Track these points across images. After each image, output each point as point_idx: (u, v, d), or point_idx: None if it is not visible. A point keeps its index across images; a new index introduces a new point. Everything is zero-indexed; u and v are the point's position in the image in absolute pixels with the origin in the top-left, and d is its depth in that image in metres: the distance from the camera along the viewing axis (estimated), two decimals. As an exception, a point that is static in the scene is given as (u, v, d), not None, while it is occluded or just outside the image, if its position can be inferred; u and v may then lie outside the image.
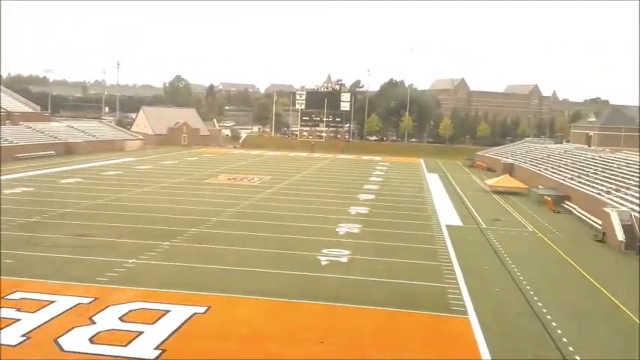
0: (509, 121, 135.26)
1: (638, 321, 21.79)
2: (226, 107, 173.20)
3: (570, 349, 19.04)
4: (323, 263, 28.67)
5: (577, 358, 18.34)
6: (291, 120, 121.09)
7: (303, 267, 27.76)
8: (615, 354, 18.93)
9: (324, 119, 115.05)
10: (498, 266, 29.63)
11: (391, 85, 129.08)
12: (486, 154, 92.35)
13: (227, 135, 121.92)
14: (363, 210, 44.74)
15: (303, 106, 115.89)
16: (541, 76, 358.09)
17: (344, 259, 29.52)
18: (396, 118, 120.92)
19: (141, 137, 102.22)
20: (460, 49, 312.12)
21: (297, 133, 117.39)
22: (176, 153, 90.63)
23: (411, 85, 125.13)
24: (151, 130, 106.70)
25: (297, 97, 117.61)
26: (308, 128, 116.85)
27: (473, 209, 47.63)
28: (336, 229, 36.70)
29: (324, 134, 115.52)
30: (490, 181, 61.82)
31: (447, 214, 44.55)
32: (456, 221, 42.15)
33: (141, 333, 18.72)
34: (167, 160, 78.83)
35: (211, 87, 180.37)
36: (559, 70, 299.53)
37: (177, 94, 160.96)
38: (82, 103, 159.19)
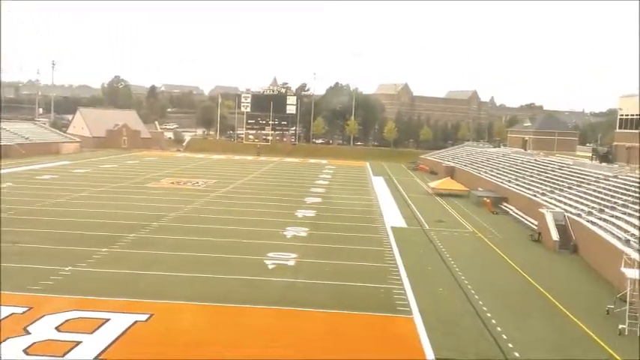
0: (450, 126, 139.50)
1: (572, 317, 22.89)
2: (169, 109, 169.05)
3: (510, 345, 19.74)
4: (269, 267, 28.45)
5: (516, 354, 19.04)
6: (237, 123, 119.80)
7: (249, 271, 27.41)
8: (551, 349, 19.77)
9: (270, 122, 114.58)
10: (441, 266, 30.39)
11: (337, 89, 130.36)
12: (429, 158, 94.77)
13: (170, 138, 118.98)
14: (310, 213, 44.80)
15: (248, 109, 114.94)
16: (480, 83, 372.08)
17: (291, 263, 29.40)
18: (342, 122, 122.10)
19: (77, 140, 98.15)
20: (403, 55, 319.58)
21: (243, 136, 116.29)
22: (116, 156, 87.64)
23: (356, 89, 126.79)
24: (88, 133, 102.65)
25: (243, 99, 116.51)
26: (254, 131, 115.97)
27: (417, 211, 48.70)
28: (283, 233, 36.54)
29: (270, 137, 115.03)
30: (433, 184, 63.46)
31: (393, 217, 45.33)
32: (401, 223, 42.94)
33: (79, 343, 17.91)
34: (106, 164, 76.08)
35: (153, 88, 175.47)
36: (496, 76, 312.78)
37: (116, 95, 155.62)
38: (14, 104, 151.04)
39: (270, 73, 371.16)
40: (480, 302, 24.28)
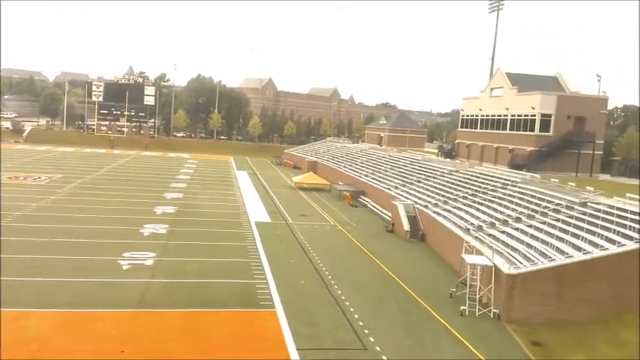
0: (313, 121, 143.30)
1: (420, 301, 24.80)
2: (6, 96, 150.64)
3: (365, 331, 20.82)
4: (124, 268, 26.75)
5: (371, 339, 20.13)
6: (87, 113, 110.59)
7: (101, 273, 25.54)
8: (401, 331, 21.23)
9: (126, 113, 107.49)
10: (304, 259, 31.07)
11: (199, 81, 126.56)
12: (293, 152, 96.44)
13: (7, 128, 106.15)
14: (170, 209, 43.02)
15: (100, 99, 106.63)
16: (340, 81, 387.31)
17: (149, 262, 27.94)
18: (205, 115, 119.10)
19: None
20: (268, 50, 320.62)
21: (95, 127, 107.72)
22: (-61, 147, 76.05)
23: (220, 81, 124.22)
24: None
25: (94, 88, 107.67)
26: (107, 123, 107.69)
27: (281, 205, 49.25)
28: (140, 231, 34.61)
29: (125, 129, 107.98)
30: (296, 179, 64.69)
31: (257, 211, 45.30)
32: (265, 218, 43.09)
33: None
34: None
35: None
36: (355, 76, 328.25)
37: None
38: None
39: (125, 60, 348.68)
40: (339, 291, 25.27)
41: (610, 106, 69.78)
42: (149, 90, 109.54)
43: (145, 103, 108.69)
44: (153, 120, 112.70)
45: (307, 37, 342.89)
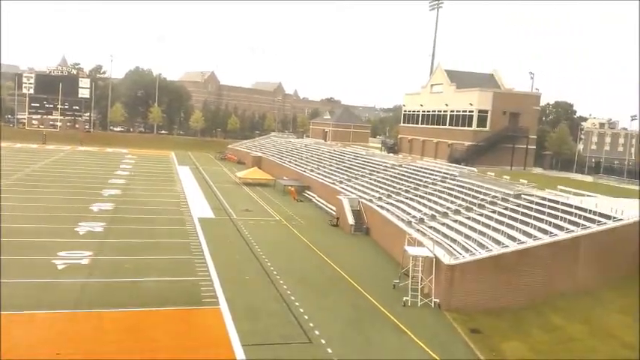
0: (257, 116, 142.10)
1: (364, 293, 25.15)
2: None
3: (311, 325, 20.91)
4: (60, 267, 25.59)
5: (316, 332, 20.24)
6: (17, 106, 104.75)
7: (35, 274, 24.34)
8: (346, 323, 21.46)
9: (59, 107, 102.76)
10: (249, 255, 30.80)
11: (137, 74, 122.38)
12: (237, 147, 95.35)
13: None
14: (108, 206, 41.49)
15: (31, 91, 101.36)
16: (284, 75, 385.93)
17: (85, 261, 26.85)
18: (144, 109, 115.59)
19: None
20: (210, 43, 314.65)
21: (26, 121, 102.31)
22: None
23: (160, 74, 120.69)
24: None
25: (25, 80, 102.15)
26: (39, 116, 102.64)
27: (224, 201, 48.57)
28: (76, 229, 33.19)
29: (59, 124, 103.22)
30: (240, 174, 63.99)
31: (200, 207, 44.48)
32: (209, 214, 42.38)
33: None
34: None
35: None
36: (300, 71, 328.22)
37: None
38: None
39: (58, 51, 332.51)
40: (285, 286, 25.24)
41: (542, 103, 73.14)
42: (84, 82, 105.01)
43: (80, 95, 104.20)
44: (88, 114, 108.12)
45: (251, 31, 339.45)
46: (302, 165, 64.39)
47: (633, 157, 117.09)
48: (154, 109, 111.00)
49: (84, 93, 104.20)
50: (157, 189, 52.85)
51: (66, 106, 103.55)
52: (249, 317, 21.24)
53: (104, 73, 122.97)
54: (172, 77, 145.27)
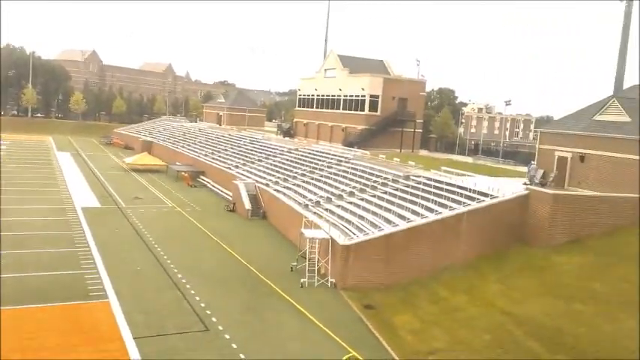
0: (145, 99, 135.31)
1: (262, 277, 25.12)
2: None
3: (207, 312, 20.50)
4: None
5: (213, 319, 19.89)
6: None
7: None
8: (244, 309, 21.31)
9: None
10: (140, 245, 29.42)
11: (8, 51, 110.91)
12: (124, 132, 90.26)
13: None
14: (-24, 197, 37.41)
15: None
16: (175, 56, 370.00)
17: (-50, 259, 24.04)
18: (17, 90, 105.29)
19: None
20: (89, 19, 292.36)
21: None
22: None
23: (33, 52, 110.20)
24: None
25: None
26: None
27: (112, 189, 45.86)
28: (-63, 223, 29.58)
29: None
30: (129, 160, 60.80)
31: (83, 196, 41.61)
32: (94, 203, 39.81)
33: None
34: None
35: None
36: (191, 52, 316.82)
37: None
38: None
39: None
40: (179, 275, 24.48)
41: (427, 89, 77.14)
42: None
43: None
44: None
45: (138, 10, 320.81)
46: (196, 150, 62.56)
47: (507, 139, 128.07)
48: (28, 91, 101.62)
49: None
50: (33, 177, 48.60)
51: None
52: (141, 309, 20.34)
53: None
54: (48, 56, 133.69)
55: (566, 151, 32.98)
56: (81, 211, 35.97)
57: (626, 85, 38.18)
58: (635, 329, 17.42)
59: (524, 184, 30.47)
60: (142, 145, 73.56)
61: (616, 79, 39.34)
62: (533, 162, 34.06)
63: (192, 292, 22.48)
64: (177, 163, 58.47)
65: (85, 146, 79.65)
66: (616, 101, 31.73)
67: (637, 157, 28.45)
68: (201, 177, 53.45)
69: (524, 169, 35.43)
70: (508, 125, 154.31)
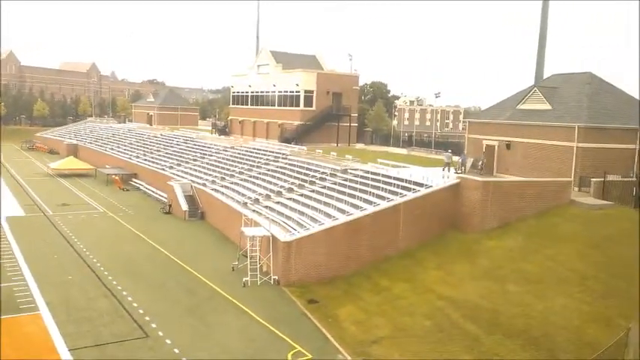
0: (69, 100, 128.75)
1: (203, 278, 24.58)
2: None
3: (147, 318, 19.82)
4: None
5: (153, 325, 19.26)
6: None
7: None
8: (185, 312, 20.78)
9: None
10: (69, 253, 28.02)
11: None
12: (47, 136, 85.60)
13: None
14: None
15: None
16: (98, 55, 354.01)
17: None
18: None
19: None
20: (5, 20, 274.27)
21: None
22: None
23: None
24: None
25: None
26: None
27: (37, 196, 43.38)
28: None
29: None
30: (54, 165, 57.77)
31: (7, 205, 39.09)
32: (18, 211, 37.58)
33: None
34: None
35: None
36: (116, 51, 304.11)
37: None
38: None
39: None
40: (114, 282, 23.53)
41: (361, 83, 78.13)
42: None
43: None
44: None
45: (57, 10, 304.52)
46: (126, 152, 60.28)
47: (439, 130, 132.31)
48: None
49: None
50: (-53, 187, 45.13)
51: None
52: (75, 319, 19.37)
53: None
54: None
55: (493, 140, 34.47)
56: (4, 221, 33.79)
57: (546, 74, 40.41)
58: (564, 306, 18.50)
59: (456, 172, 31.58)
60: (67, 149, 70.15)
61: (536, 69, 41.57)
62: (461, 152, 35.31)
63: (130, 298, 21.67)
64: (107, 166, 56.13)
65: (6, 152, 74.79)
66: (537, 90, 33.48)
67: (558, 143, 30.19)
68: (134, 179, 51.61)
69: (457, 158, 36.70)
70: (439, 117, 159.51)
